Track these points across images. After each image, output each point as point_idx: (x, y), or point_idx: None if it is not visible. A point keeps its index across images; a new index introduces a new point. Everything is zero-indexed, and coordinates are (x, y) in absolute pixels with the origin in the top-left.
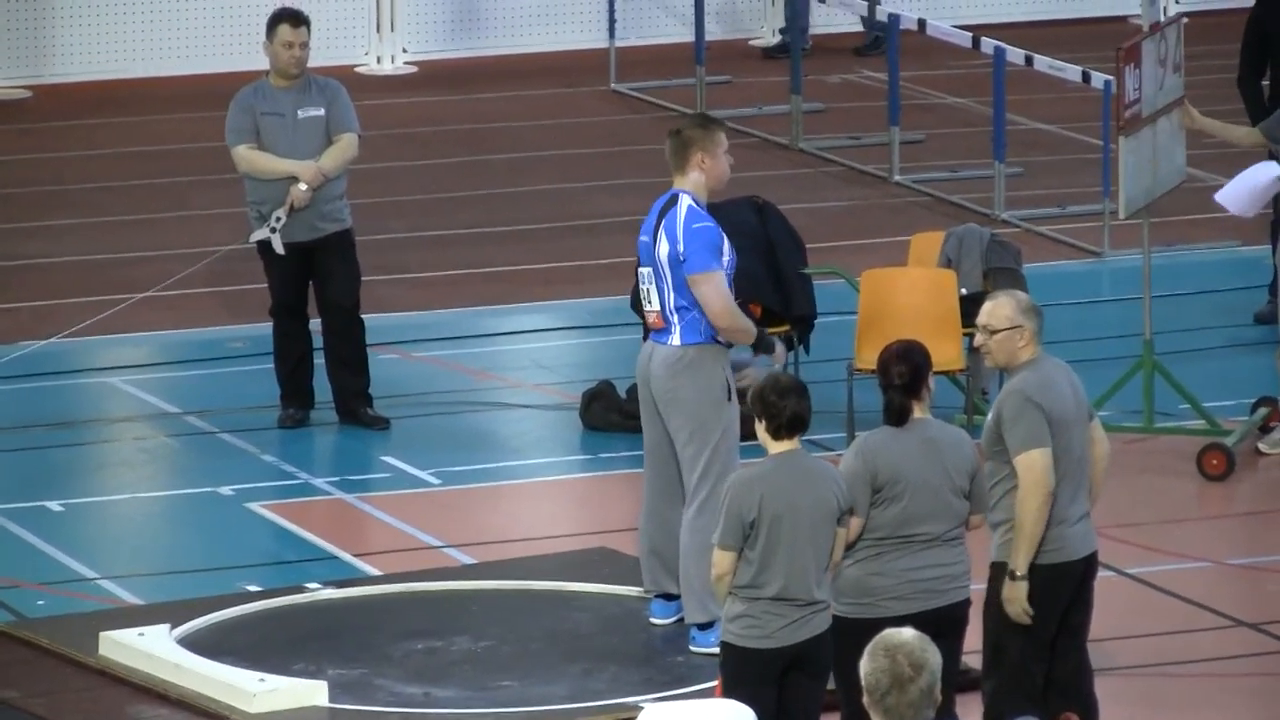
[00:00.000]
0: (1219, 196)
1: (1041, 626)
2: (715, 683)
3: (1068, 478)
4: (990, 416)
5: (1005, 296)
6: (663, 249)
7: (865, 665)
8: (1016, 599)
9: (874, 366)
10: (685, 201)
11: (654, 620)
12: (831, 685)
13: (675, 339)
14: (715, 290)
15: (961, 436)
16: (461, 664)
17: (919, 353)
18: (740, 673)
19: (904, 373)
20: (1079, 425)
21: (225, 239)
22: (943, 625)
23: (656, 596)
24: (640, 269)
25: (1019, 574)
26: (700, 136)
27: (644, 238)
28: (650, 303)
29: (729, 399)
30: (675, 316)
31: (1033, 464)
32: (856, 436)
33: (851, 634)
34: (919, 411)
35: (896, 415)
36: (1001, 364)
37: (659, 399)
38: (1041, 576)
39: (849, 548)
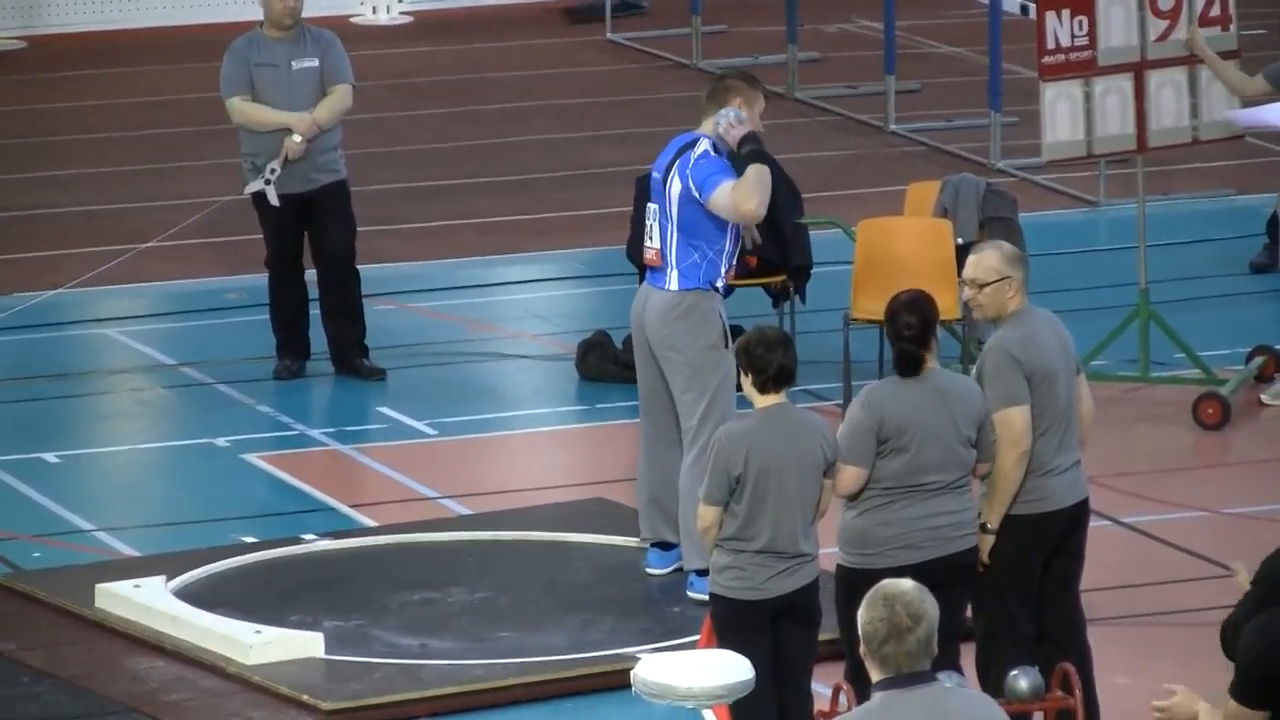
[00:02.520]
0: (1232, 113)
1: (1025, 575)
2: (699, 636)
3: (1053, 429)
4: (974, 371)
5: (990, 248)
6: (674, 187)
7: (863, 615)
8: (982, 549)
9: (870, 316)
10: (704, 145)
11: (650, 570)
12: (834, 635)
13: (672, 283)
14: (731, 191)
15: (970, 386)
16: (458, 615)
17: (927, 303)
18: (731, 624)
19: (913, 323)
20: (1065, 377)
21: (221, 190)
22: (950, 573)
23: (653, 546)
24: (648, 204)
25: (990, 526)
26: (743, 88)
27: (656, 174)
28: (651, 239)
29: (726, 345)
30: (674, 258)
31: (1010, 421)
32: (863, 386)
33: (857, 584)
34: (928, 361)
35: (908, 366)
36: (992, 316)
37: (655, 346)
38: (1023, 525)
39: (851, 497)
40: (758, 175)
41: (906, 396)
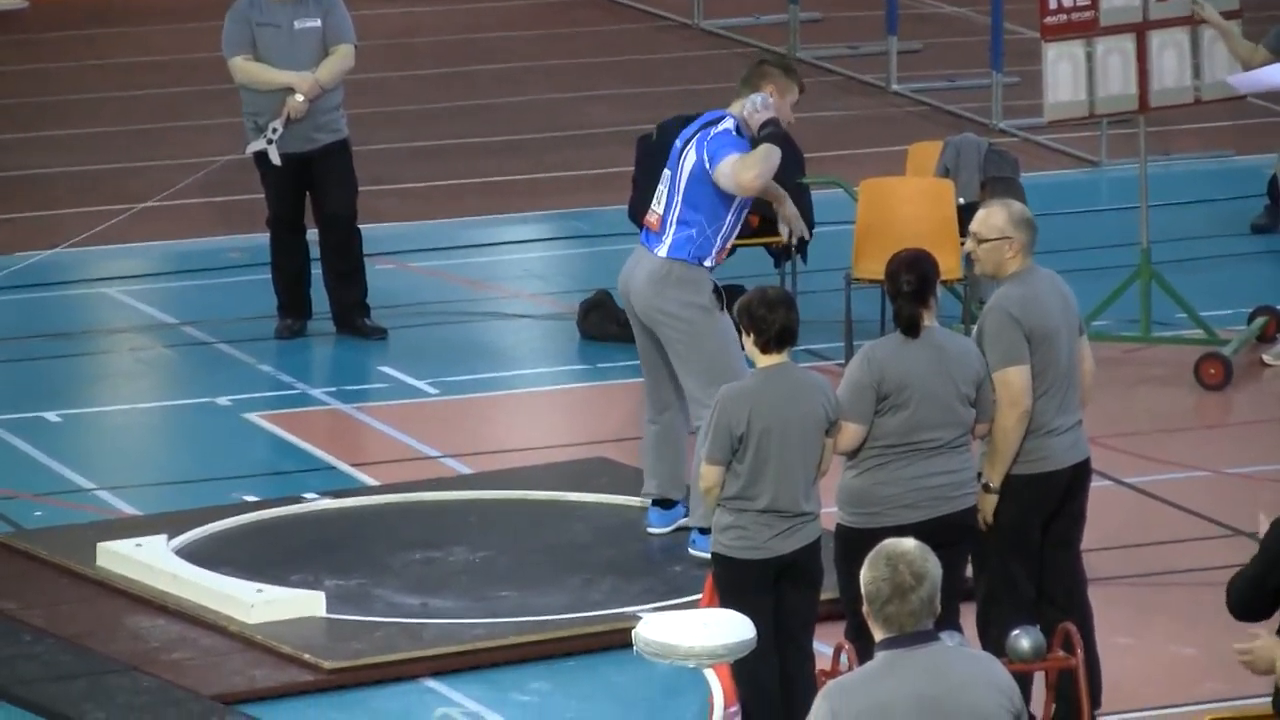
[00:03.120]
0: (1233, 79)
1: (1025, 536)
2: (700, 595)
3: (1054, 389)
4: (975, 331)
5: (999, 206)
6: (688, 160)
7: (865, 574)
8: (984, 509)
9: (872, 276)
10: (727, 123)
11: (651, 529)
12: (834, 595)
13: (663, 250)
14: (735, 161)
15: (969, 345)
16: (459, 574)
17: (927, 261)
18: (733, 583)
19: (912, 280)
20: (1067, 337)
21: (222, 150)
22: (950, 533)
23: (654, 504)
24: (665, 170)
25: (991, 486)
26: (778, 76)
27: (677, 143)
28: (658, 203)
29: (720, 309)
30: (674, 228)
31: (1009, 381)
32: (863, 345)
33: (857, 544)
34: (926, 320)
35: (907, 324)
36: (989, 272)
37: (642, 312)
38: (1023, 485)
39: (851, 456)
40: (765, 152)
41: (906, 354)
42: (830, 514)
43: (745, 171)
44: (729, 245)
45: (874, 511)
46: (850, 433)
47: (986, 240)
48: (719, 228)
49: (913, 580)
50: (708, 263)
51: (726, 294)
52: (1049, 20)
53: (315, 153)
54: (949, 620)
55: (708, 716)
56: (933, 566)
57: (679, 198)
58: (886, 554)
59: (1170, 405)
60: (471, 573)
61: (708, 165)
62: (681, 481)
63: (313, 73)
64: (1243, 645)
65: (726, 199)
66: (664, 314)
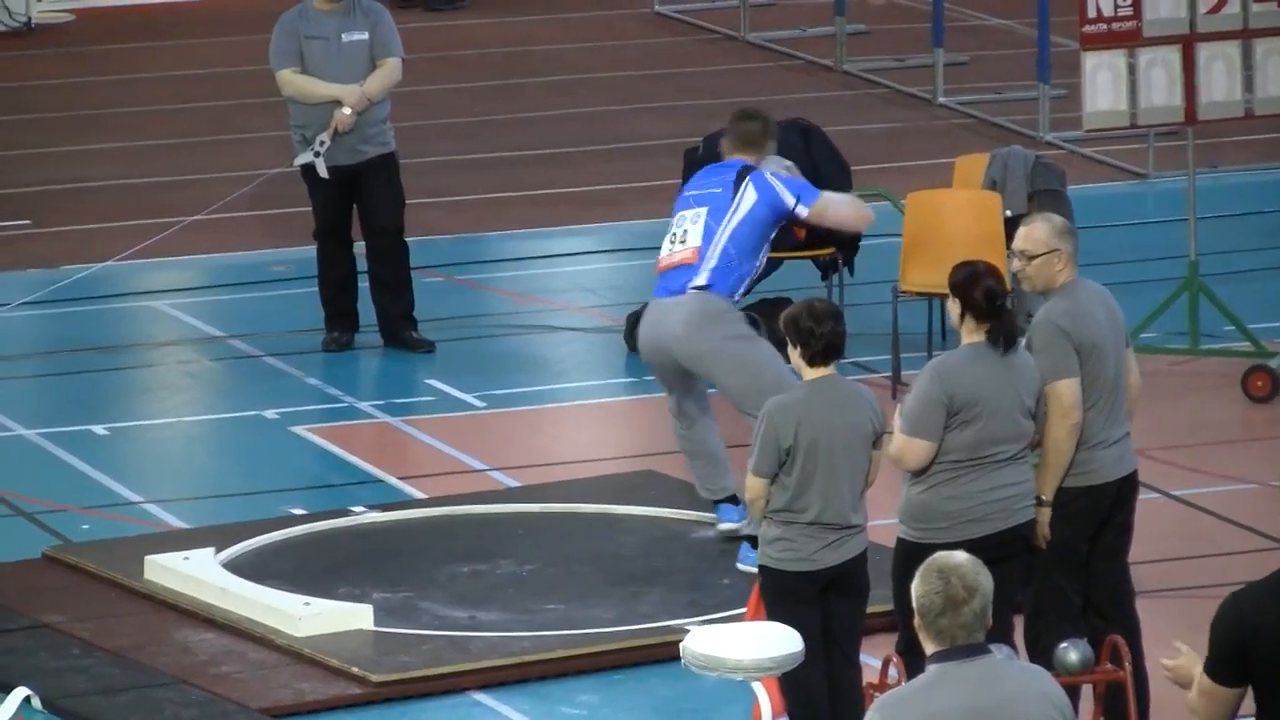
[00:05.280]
0: None
1: (1073, 548)
2: (745, 609)
3: (1101, 402)
4: (1023, 344)
5: (1040, 220)
6: (746, 197)
7: (918, 587)
8: (1039, 523)
9: (918, 288)
10: (768, 170)
11: (723, 526)
12: (883, 607)
13: (701, 279)
14: (835, 204)
15: (1029, 358)
16: (506, 587)
17: (999, 273)
18: (780, 595)
19: (998, 290)
20: (1114, 349)
21: (269, 163)
22: (1010, 546)
23: (721, 502)
24: (683, 211)
25: (1044, 498)
26: (769, 146)
27: (717, 189)
28: (684, 240)
29: (759, 333)
30: (714, 261)
31: (1060, 394)
32: (929, 359)
33: (919, 559)
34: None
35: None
36: (1040, 288)
37: (689, 360)
38: (1072, 498)
39: (918, 473)
40: (850, 198)
41: (976, 368)
42: (879, 526)
43: (864, 208)
44: (749, 290)
45: (941, 526)
46: (919, 449)
47: (1036, 256)
48: (750, 270)
49: (965, 593)
50: (736, 298)
51: (773, 307)
52: (1088, 30)
53: (362, 165)
54: (1002, 634)
55: None
56: (985, 579)
57: (725, 234)
58: (939, 566)
59: (1218, 417)
60: (519, 585)
61: (791, 201)
62: (729, 480)
63: (360, 85)
64: (1168, 661)
65: (767, 244)
66: (710, 353)
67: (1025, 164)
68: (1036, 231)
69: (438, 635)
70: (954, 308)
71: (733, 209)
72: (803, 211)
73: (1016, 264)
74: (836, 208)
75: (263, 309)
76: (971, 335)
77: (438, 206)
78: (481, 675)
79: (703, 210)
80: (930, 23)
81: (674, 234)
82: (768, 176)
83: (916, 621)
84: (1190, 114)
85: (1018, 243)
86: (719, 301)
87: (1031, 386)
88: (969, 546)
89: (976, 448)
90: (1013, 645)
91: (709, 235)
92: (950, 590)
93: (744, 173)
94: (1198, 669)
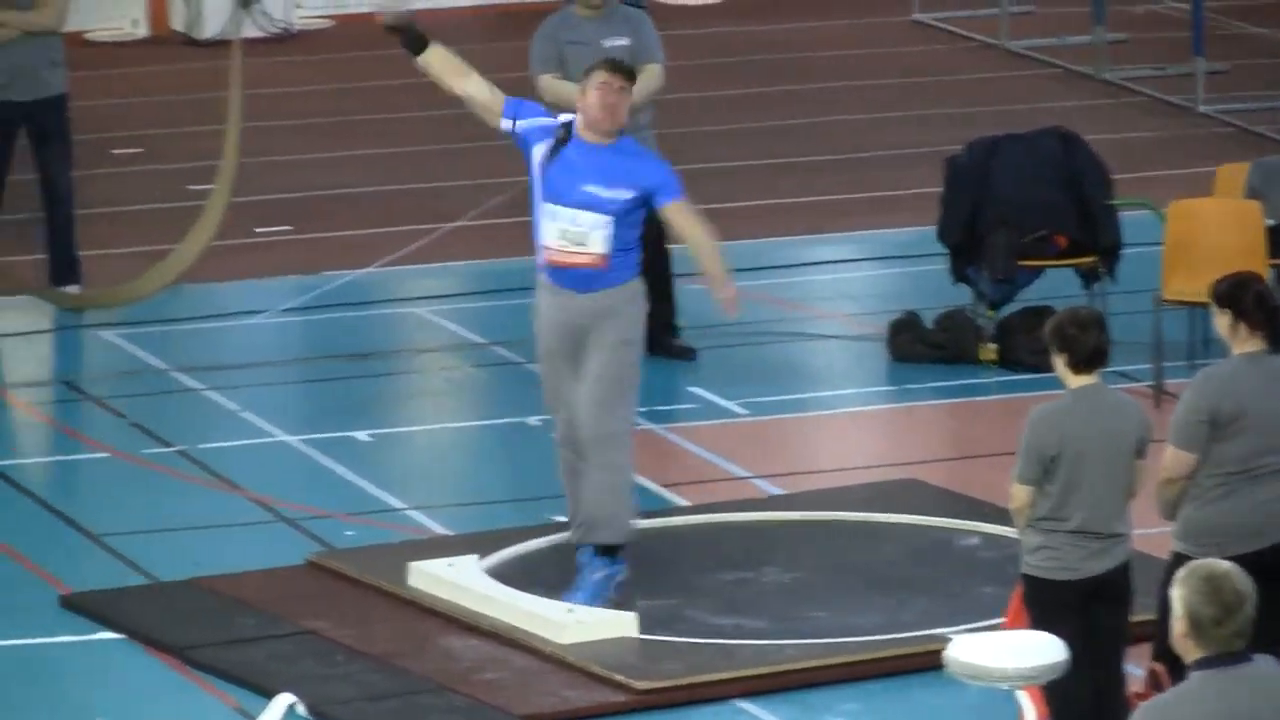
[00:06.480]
0: None
1: None
2: (1002, 619)
3: None
4: None
5: None
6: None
7: (1184, 595)
8: None
9: (1180, 297)
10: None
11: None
12: (1146, 616)
13: (612, 278)
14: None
15: None
16: (771, 595)
17: (1262, 279)
18: (1045, 604)
19: (1266, 295)
20: None
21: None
22: None
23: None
24: (568, 210)
25: None
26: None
27: (602, 190)
28: (586, 244)
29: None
30: (617, 257)
31: None
32: (1193, 366)
33: None
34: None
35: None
36: None
37: (596, 332)
38: None
39: (1194, 489)
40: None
41: (1243, 379)
42: (1143, 535)
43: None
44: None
45: (1219, 541)
46: (1180, 460)
47: None
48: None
49: (1235, 601)
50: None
51: (1036, 316)
52: None
53: None
54: (1273, 648)
55: None
56: (1250, 588)
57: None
58: (1206, 574)
59: None
60: (783, 593)
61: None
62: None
63: None
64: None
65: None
66: (618, 334)
67: None
68: None
69: (704, 643)
70: (1223, 319)
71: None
72: (662, 202)
73: None
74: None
75: (525, 316)
76: (1244, 345)
77: (700, 213)
78: (745, 683)
79: (602, 217)
80: (1191, 31)
81: (570, 231)
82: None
83: (1180, 629)
84: None
85: None
86: (618, 294)
87: None
88: (1245, 561)
89: (1248, 459)
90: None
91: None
92: (1224, 598)
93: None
94: None
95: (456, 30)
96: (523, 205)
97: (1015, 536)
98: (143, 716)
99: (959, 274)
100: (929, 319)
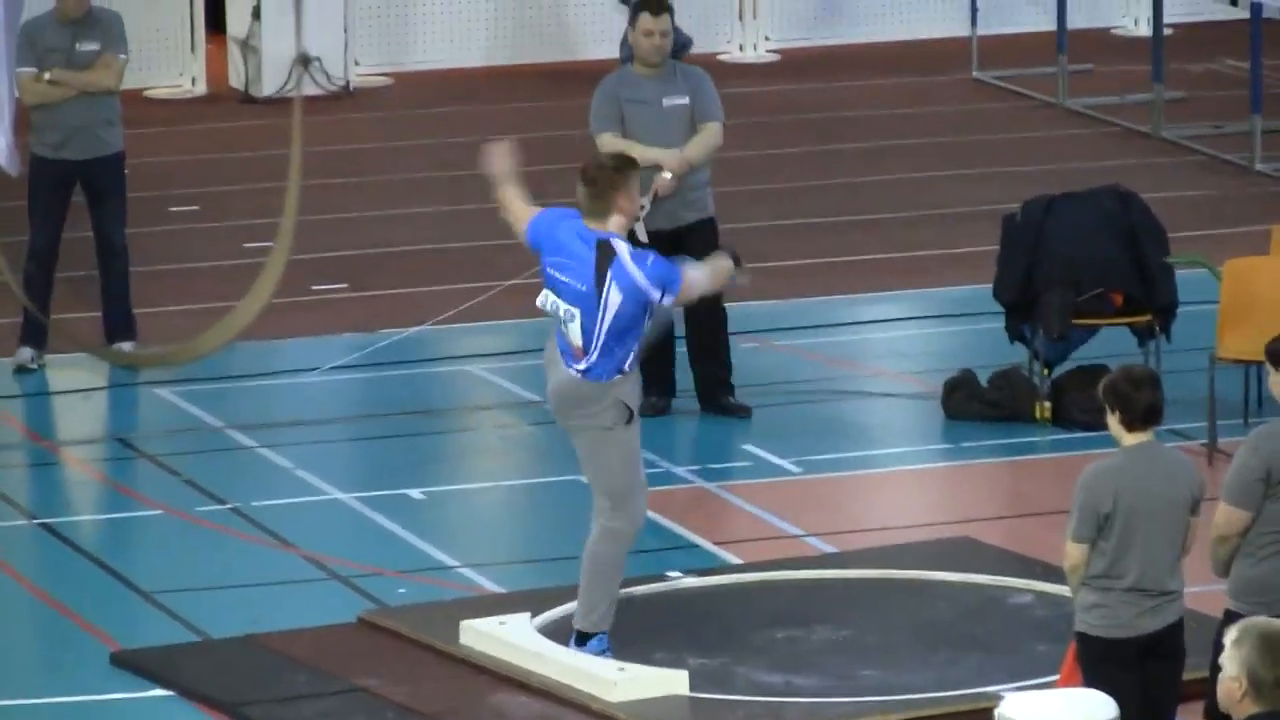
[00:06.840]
0: None
1: None
2: (1057, 677)
3: None
4: None
5: None
6: (613, 299)
7: (1246, 656)
8: None
9: (1236, 356)
10: (622, 247)
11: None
12: (1199, 674)
13: (582, 366)
14: (696, 284)
15: None
16: (823, 653)
17: None
18: (1098, 661)
19: None
20: None
21: None
22: None
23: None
24: (561, 304)
25: None
26: (619, 180)
27: (581, 286)
28: (568, 333)
29: (628, 422)
30: (597, 355)
31: None
32: (1248, 425)
33: None
34: None
35: None
36: None
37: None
38: None
39: (1247, 547)
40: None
41: None
42: (1195, 594)
43: (706, 279)
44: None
45: (1270, 600)
46: (1233, 517)
47: None
48: (636, 341)
49: None
50: (628, 367)
51: (1090, 374)
52: None
53: (682, 230)
54: None
55: None
56: None
57: (602, 334)
58: (1262, 633)
59: None
60: (835, 651)
61: (657, 296)
62: None
63: (681, 150)
64: None
65: (644, 319)
66: (575, 429)
67: None
68: None
69: (754, 700)
70: (1277, 377)
71: (601, 311)
72: (669, 302)
73: None
74: (698, 286)
75: None
76: None
77: (756, 272)
78: None
79: (576, 311)
80: (1249, 89)
81: (566, 324)
82: (628, 268)
83: (1236, 687)
84: None
85: None
86: (591, 389)
87: None
88: None
89: None
90: None
91: (588, 337)
92: (1278, 657)
93: (603, 261)
94: None
95: (467, 87)
96: None
97: (1068, 594)
98: None
99: (1014, 332)
100: (984, 377)
